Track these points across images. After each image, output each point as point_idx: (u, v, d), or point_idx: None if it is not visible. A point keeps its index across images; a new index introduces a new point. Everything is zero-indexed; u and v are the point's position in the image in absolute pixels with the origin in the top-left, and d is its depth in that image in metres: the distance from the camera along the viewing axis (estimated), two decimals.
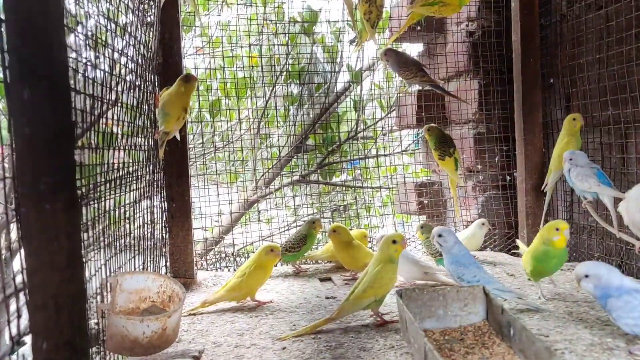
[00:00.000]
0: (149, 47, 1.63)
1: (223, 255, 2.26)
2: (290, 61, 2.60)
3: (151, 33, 1.67)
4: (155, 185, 1.67)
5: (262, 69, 2.48)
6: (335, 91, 3.04)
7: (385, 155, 2.67)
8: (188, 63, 2.40)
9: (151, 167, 1.60)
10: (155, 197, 1.68)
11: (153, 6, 1.67)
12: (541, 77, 1.96)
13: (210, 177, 2.48)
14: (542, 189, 1.89)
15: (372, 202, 2.74)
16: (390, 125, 2.61)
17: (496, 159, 2.16)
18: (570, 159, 1.66)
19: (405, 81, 2.03)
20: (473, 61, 2.18)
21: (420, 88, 2.29)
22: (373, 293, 1.24)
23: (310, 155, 3.34)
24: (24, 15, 0.66)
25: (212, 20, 2.64)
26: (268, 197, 2.99)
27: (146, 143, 1.53)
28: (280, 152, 2.80)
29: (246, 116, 2.90)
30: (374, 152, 2.75)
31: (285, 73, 2.65)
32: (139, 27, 1.51)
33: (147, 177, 1.57)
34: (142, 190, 1.51)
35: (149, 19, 1.67)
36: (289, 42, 2.55)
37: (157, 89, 1.69)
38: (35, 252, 0.67)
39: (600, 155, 1.78)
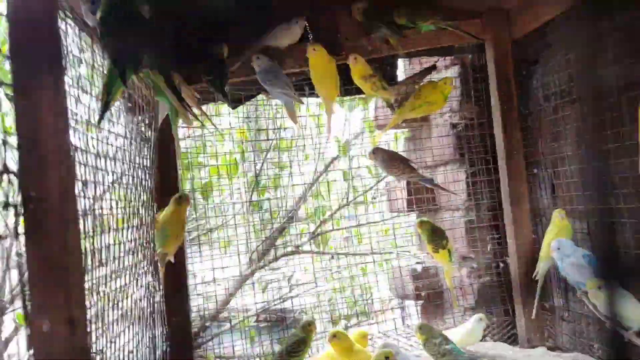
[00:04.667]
0: (147, 162, 1.68)
1: None
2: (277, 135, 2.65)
3: (147, 149, 1.72)
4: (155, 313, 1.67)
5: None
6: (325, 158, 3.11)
7: (376, 223, 2.72)
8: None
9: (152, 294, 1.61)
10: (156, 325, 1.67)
11: (150, 125, 1.73)
12: (526, 166, 2.03)
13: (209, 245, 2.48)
14: (533, 277, 1.92)
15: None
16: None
17: (488, 247, 2.20)
18: (558, 249, 1.71)
19: (395, 177, 2.09)
20: (458, 152, 2.26)
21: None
22: None
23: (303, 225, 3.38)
24: None
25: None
26: (263, 268, 3.01)
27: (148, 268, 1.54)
28: (272, 223, 2.81)
29: (238, 188, 2.95)
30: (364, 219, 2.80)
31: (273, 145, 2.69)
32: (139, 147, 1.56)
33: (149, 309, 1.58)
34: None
35: (146, 135, 1.72)
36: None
37: (155, 205, 1.72)
38: None
39: (589, 245, 1.83)
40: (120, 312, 1.29)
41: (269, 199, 2.75)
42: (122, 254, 1.33)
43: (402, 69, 2.32)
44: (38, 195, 0.60)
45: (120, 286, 1.31)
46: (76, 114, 0.98)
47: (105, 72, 1.01)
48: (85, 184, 1.03)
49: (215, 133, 2.33)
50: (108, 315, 1.16)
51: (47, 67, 0.61)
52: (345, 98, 2.20)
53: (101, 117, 1.00)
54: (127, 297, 1.35)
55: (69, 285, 0.60)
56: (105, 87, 1.00)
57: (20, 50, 0.61)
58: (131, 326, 1.38)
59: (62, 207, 0.61)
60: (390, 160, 2.00)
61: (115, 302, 1.25)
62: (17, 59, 0.60)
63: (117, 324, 1.25)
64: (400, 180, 2.20)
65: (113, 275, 1.27)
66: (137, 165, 1.54)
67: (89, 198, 1.06)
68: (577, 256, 1.63)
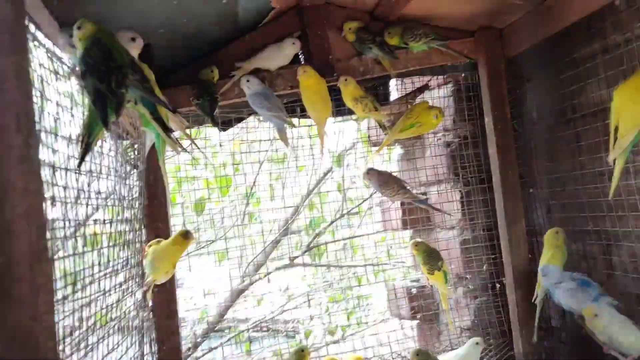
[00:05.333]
0: (135, 187, 1.65)
1: None
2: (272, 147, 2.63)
3: (136, 176, 1.69)
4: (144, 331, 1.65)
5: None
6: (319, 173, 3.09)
7: (372, 234, 2.70)
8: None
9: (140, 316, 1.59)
10: (144, 340, 1.65)
11: (138, 151, 1.70)
12: (521, 185, 2.01)
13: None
14: (532, 300, 1.89)
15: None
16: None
17: (484, 267, 2.18)
18: (544, 275, 1.68)
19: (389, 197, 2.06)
20: (452, 171, 2.24)
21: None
22: None
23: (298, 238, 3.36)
24: None
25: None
26: (258, 281, 2.98)
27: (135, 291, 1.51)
28: (265, 234, 2.78)
29: (232, 201, 2.93)
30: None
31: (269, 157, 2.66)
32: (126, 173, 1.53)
33: (137, 322, 1.55)
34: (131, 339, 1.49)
35: (132, 161, 1.70)
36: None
37: (143, 231, 1.70)
38: None
39: (586, 267, 1.80)
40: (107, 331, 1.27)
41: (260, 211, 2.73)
42: (108, 275, 1.30)
43: (395, 89, 2.30)
44: (4, 261, 0.57)
45: (107, 306, 1.28)
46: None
47: (85, 112, 0.99)
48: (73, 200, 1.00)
49: (207, 147, 2.30)
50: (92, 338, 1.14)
51: (15, 127, 0.58)
52: (337, 119, 2.18)
53: (81, 160, 0.97)
54: (115, 318, 1.33)
55: (39, 355, 0.57)
56: (86, 128, 0.97)
57: None
58: (120, 347, 1.36)
59: (33, 273, 0.58)
60: (384, 181, 1.98)
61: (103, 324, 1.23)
62: None
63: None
64: (394, 201, 2.18)
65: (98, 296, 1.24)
66: (125, 187, 1.52)
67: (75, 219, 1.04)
68: (567, 281, 1.61)
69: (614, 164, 1.40)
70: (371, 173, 2.00)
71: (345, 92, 1.86)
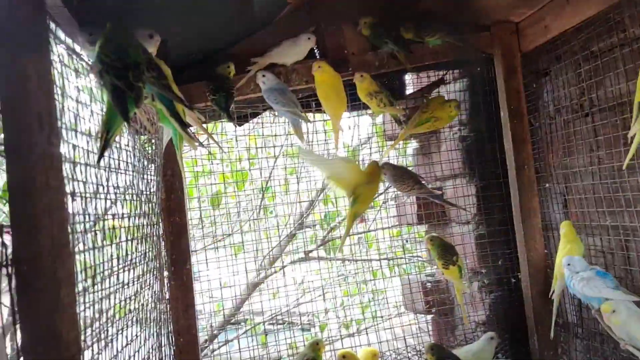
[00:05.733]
0: (153, 182, 1.67)
1: None
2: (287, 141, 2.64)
3: (153, 170, 1.72)
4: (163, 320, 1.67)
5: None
6: None
7: (386, 228, 2.70)
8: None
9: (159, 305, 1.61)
10: (162, 332, 1.68)
11: (155, 145, 1.73)
12: (537, 180, 2.00)
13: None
14: (549, 296, 1.88)
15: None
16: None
17: (499, 262, 2.17)
18: (569, 265, 1.67)
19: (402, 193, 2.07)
20: (468, 165, 2.23)
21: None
22: None
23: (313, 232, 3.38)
24: None
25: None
26: (273, 275, 3.01)
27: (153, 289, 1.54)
28: (280, 227, 2.80)
29: (247, 195, 2.95)
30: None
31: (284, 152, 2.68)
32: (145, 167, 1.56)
33: (155, 315, 1.58)
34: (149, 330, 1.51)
35: (150, 156, 1.72)
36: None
37: (161, 225, 1.72)
38: None
39: (603, 262, 1.79)
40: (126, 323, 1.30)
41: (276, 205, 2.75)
42: (126, 268, 1.33)
43: (410, 83, 2.29)
44: (29, 255, 0.59)
45: (125, 298, 1.31)
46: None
47: (105, 108, 1.01)
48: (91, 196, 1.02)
49: (224, 142, 2.31)
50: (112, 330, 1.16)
51: (38, 125, 0.60)
52: (352, 114, 2.18)
53: (100, 156, 0.99)
54: (133, 310, 1.35)
55: (61, 348, 0.59)
56: (105, 124, 0.99)
57: (9, 107, 0.60)
58: (138, 339, 1.38)
59: (55, 267, 0.60)
60: (399, 176, 1.98)
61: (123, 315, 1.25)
62: (7, 117, 0.59)
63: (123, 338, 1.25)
64: (409, 196, 2.18)
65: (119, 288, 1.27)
66: (142, 181, 1.54)
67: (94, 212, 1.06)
68: (588, 272, 1.60)
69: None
70: (386, 167, 2.00)
71: (360, 87, 1.86)
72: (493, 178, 2.17)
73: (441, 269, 1.99)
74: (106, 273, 1.13)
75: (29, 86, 0.60)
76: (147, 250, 1.56)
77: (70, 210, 0.87)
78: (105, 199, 1.16)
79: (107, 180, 1.18)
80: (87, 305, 1.01)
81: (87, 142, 1.06)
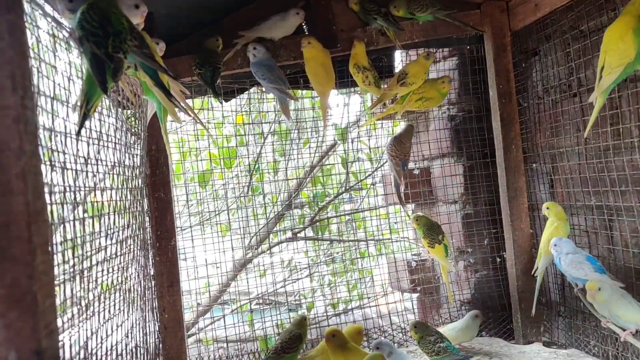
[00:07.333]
0: (137, 156, 1.65)
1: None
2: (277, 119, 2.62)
3: (138, 145, 1.69)
4: (146, 296, 1.67)
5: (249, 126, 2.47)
6: (322, 147, 3.08)
7: (376, 208, 2.71)
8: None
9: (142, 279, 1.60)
10: (146, 307, 1.67)
11: (140, 119, 1.70)
12: (524, 160, 2.00)
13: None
14: (532, 273, 1.90)
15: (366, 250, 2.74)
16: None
17: (485, 241, 2.18)
18: (555, 245, 1.69)
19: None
20: (456, 145, 2.22)
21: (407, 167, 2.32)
22: None
23: (301, 212, 3.37)
24: None
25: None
26: (261, 254, 3.01)
27: (138, 261, 1.53)
28: (268, 208, 2.79)
29: (236, 175, 2.93)
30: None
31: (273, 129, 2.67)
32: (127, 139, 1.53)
33: (139, 289, 1.57)
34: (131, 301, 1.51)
35: (134, 130, 1.70)
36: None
37: (145, 200, 1.70)
38: None
39: (587, 242, 1.81)
40: (110, 298, 1.29)
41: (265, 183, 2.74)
42: (113, 241, 1.31)
43: (399, 60, 2.27)
44: (2, 221, 0.57)
45: (109, 271, 1.29)
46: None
47: (83, 77, 0.98)
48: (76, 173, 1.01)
49: (211, 121, 2.29)
50: (95, 303, 1.15)
51: (11, 86, 0.58)
52: (340, 91, 2.16)
53: (80, 127, 0.97)
54: (117, 284, 1.34)
55: (37, 314, 0.58)
56: (84, 94, 0.96)
57: None
58: (122, 313, 1.37)
59: (30, 233, 0.59)
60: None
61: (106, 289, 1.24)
62: None
63: (106, 311, 1.24)
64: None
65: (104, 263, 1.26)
66: (127, 156, 1.52)
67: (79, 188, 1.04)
68: (577, 254, 1.62)
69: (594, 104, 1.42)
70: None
71: (353, 53, 1.85)
72: (480, 158, 2.17)
73: (427, 248, 2.00)
74: (88, 245, 1.11)
75: (1, 45, 0.57)
76: (132, 224, 1.55)
77: (49, 180, 0.85)
78: (88, 171, 1.14)
79: (88, 153, 1.16)
80: (67, 276, 1.00)
81: (67, 114, 1.04)
